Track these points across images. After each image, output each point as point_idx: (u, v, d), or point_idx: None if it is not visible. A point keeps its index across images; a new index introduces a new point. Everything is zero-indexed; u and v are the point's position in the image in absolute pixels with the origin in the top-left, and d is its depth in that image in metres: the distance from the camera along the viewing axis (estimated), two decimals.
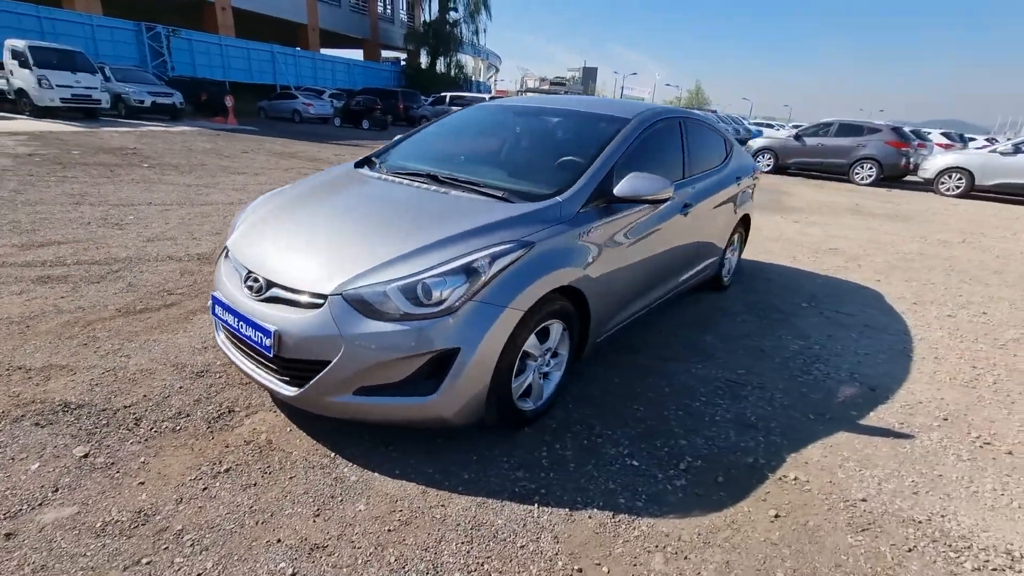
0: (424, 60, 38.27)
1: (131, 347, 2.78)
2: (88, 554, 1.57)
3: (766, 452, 2.28)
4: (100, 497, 1.78)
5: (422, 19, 39.54)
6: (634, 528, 1.82)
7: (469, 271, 1.93)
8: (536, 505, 1.89)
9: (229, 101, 17.19)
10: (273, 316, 1.95)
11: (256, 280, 2.06)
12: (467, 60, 42.25)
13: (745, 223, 4.48)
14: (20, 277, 3.57)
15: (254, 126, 17.25)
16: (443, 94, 25.01)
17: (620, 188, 2.44)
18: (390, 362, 1.85)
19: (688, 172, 3.36)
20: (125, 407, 2.28)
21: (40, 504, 1.74)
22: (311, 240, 2.19)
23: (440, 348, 1.85)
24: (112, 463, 1.95)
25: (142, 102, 15.46)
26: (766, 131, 21.02)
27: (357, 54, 38.82)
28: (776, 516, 1.91)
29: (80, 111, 14.14)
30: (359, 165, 3.11)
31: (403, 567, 1.60)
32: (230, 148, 11.20)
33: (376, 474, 1.99)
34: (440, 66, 38.21)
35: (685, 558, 1.70)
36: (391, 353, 1.84)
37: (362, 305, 1.86)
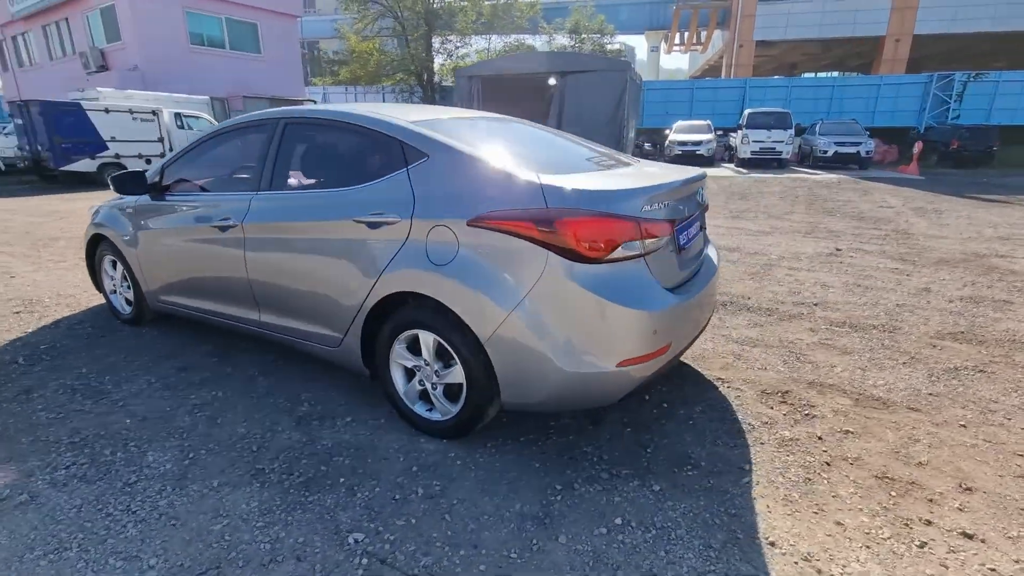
0: None
1: None
2: None
3: None
4: None
5: None
6: None
7: None
8: None
9: (917, 148, 14.59)
10: None
11: None
12: None
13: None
14: None
15: (930, 175, 14.02)
16: None
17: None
18: None
19: (269, 184, 2.70)
20: None
21: None
22: None
23: None
24: None
25: (825, 152, 16.12)
26: None
27: None
28: None
29: (773, 161, 16.68)
30: None
31: None
32: (818, 199, 10.48)
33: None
34: None
35: None
36: None
37: None
